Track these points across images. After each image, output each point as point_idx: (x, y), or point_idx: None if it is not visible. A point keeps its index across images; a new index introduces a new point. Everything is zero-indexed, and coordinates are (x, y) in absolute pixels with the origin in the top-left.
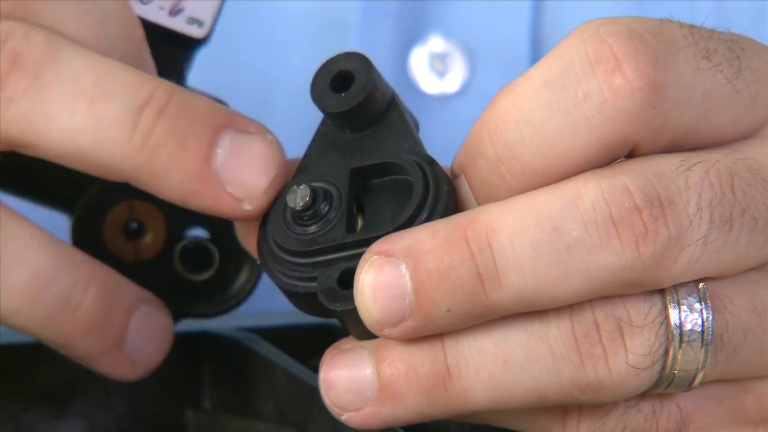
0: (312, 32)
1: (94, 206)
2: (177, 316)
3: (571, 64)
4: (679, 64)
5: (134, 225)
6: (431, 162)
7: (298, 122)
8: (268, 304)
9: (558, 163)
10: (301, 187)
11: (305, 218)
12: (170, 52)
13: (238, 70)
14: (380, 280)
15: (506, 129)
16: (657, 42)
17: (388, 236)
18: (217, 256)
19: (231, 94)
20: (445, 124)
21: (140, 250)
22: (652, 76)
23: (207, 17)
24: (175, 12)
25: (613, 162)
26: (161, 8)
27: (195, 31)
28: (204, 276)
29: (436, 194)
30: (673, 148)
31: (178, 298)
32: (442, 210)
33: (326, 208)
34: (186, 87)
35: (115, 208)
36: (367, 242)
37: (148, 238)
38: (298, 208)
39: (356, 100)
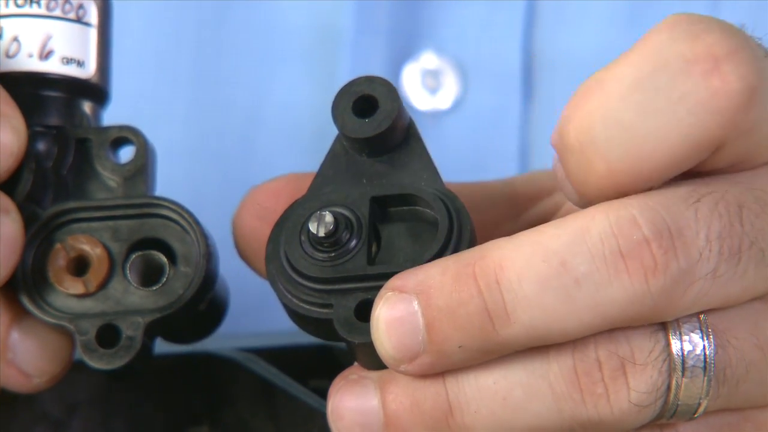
0: (304, 48)
1: (34, 266)
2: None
3: (665, 63)
4: (766, 71)
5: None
6: (453, 198)
7: (289, 137)
8: (267, 324)
9: (646, 164)
10: (325, 213)
11: (325, 245)
12: (56, 98)
13: (229, 85)
14: (394, 316)
15: (594, 128)
16: (749, 44)
17: (402, 272)
18: (166, 262)
19: (222, 109)
20: (437, 140)
21: (87, 282)
22: (751, 78)
23: (85, 55)
24: (45, 56)
25: (697, 163)
26: (30, 55)
27: (76, 71)
28: (160, 285)
29: (459, 232)
30: (741, 157)
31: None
32: (465, 248)
33: (347, 236)
34: (92, 128)
35: (51, 256)
36: (388, 276)
37: (91, 269)
38: (321, 235)
39: (381, 127)
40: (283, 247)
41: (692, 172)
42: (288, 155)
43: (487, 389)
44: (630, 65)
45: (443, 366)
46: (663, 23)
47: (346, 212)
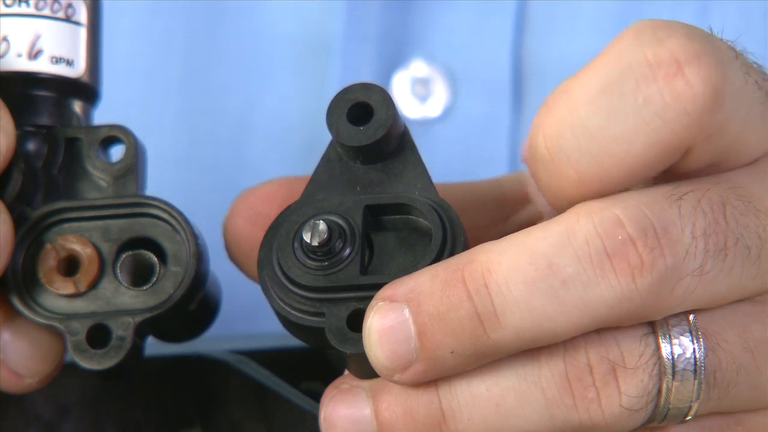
0: (294, 56)
1: (25, 267)
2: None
3: (629, 68)
4: (732, 73)
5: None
6: (447, 207)
7: (279, 145)
8: (259, 327)
9: (616, 170)
10: (319, 222)
11: (318, 253)
12: (46, 98)
13: (220, 93)
14: (385, 325)
15: (562, 136)
16: (713, 48)
17: (392, 282)
18: (156, 261)
19: (212, 116)
20: (426, 148)
21: (78, 282)
22: (714, 80)
23: (74, 54)
24: (34, 55)
25: (667, 166)
26: (19, 55)
27: (65, 71)
28: (150, 284)
29: (453, 243)
30: (714, 159)
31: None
32: None
33: (340, 245)
34: (82, 127)
35: (41, 256)
36: (380, 286)
37: (82, 269)
38: (314, 244)
39: (376, 136)
40: (276, 254)
41: (669, 175)
42: (278, 162)
43: (479, 396)
44: (595, 72)
45: (436, 373)
46: (628, 30)
47: (340, 221)
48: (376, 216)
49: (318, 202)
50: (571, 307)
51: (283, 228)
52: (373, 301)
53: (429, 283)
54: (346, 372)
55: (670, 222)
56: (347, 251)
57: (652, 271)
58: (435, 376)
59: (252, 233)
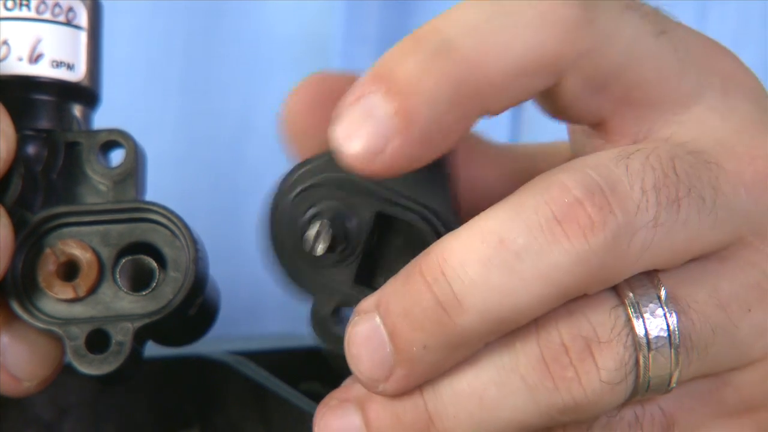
0: (294, 57)
1: (24, 272)
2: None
3: None
4: (605, 6)
5: (65, 267)
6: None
7: (279, 146)
8: (258, 328)
9: (495, 61)
10: (326, 228)
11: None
12: (46, 102)
13: (219, 94)
14: (359, 338)
15: (444, 29)
16: None
17: (367, 296)
18: (156, 267)
19: (212, 118)
20: None
21: (77, 287)
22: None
23: (75, 58)
24: (35, 59)
25: (548, 80)
26: (19, 58)
27: (65, 75)
28: (149, 290)
29: None
30: (598, 89)
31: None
32: None
33: (341, 248)
34: (81, 131)
35: (40, 261)
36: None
37: (81, 274)
38: (316, 250)
39: None
40: (285, 225)
41: (560, 108)
42: (278, 164)
43: (462, 392)
44: None
45: (418, 375)
46: None
47: (347, 223)
48: (385, 219)
49: (337, 183)
50: (529, 278)
51: (305, 182)
52: (351, 317)
53: (392, 286)
54: (345, 383)
55: (617, 180)
56: (348, 253)
57: (604, 229)
58: (418, 380)
59: (307, 116)
